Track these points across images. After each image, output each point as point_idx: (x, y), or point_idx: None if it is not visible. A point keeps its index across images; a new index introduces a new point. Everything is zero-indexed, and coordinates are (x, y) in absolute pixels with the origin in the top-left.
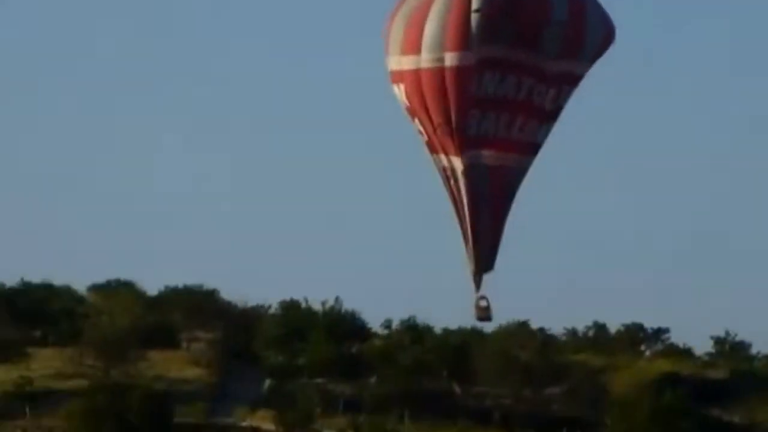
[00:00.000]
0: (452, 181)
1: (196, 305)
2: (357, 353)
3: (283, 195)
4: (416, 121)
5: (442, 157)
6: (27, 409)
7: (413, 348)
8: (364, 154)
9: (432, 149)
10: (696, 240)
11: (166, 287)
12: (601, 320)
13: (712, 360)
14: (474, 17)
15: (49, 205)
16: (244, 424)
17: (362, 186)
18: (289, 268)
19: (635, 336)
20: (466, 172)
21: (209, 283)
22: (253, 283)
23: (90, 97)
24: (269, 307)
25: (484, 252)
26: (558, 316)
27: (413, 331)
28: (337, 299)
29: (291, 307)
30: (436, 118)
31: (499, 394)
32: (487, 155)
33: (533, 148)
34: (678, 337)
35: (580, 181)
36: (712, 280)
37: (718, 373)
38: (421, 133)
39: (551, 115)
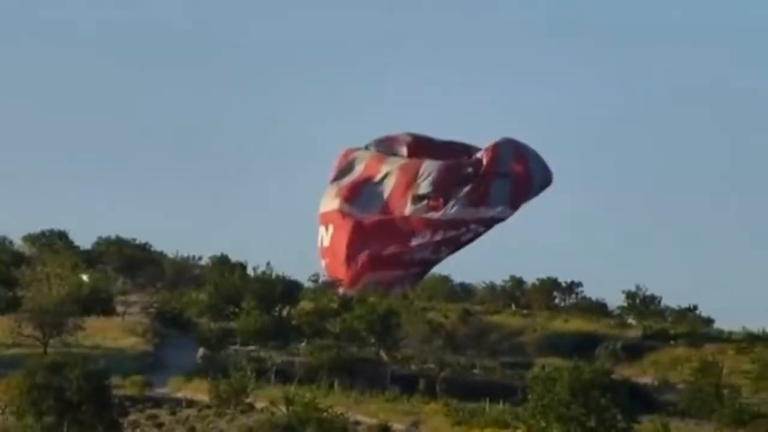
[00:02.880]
0: None
1: (129, 257)
2: (287, 317)
3: None
4: None
5: None
6: None
7: (342, 316)
8: None
9: None
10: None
11: (99, 238)
12: (517, 274)
13: (625, 316)
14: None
15: None
16: (179, 395)
17: None
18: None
19: (550, 289)
20: None
21: (142, 237)
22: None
23: None
24: (200, 258)
25: None
26: (477, 270)
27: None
28: (268, 264)
29: (221, 262)
30: None
31: (424, 359)
32: None
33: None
34: (591, 292)
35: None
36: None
37: (632, 332)
38: None
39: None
